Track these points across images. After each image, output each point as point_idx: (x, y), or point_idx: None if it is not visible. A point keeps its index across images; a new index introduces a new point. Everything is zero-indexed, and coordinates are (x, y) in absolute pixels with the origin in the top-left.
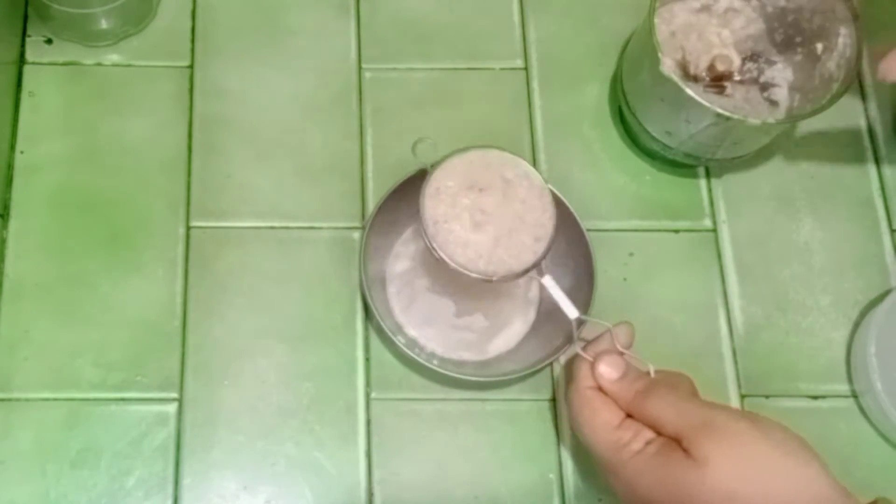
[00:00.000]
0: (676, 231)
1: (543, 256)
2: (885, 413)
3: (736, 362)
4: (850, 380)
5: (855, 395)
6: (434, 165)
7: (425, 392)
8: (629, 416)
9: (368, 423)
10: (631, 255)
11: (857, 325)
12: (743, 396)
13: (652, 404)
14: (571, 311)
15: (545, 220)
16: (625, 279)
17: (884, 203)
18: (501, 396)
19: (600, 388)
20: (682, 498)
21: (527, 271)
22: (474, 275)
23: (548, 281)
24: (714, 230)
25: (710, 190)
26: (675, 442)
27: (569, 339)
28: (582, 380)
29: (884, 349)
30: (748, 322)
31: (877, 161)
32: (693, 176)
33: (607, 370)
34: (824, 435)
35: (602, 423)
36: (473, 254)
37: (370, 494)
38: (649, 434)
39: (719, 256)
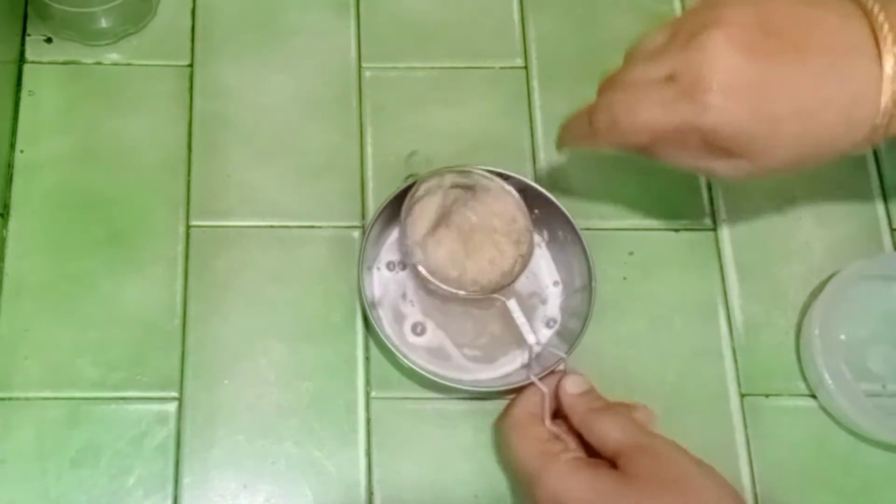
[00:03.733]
0: (676, 230)
1: (510, 283)
2: (830, 394)
3: (736, 362)
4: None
5: None
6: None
7: (425, 391)
8: (577, 434)
9: (368, 422)
10: (631, 254)
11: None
12: (743, 396)
13: (602, 421)
14: (530, 338)
15: (518, 251)
16: (625, 278)
17: (884, 203)
18: (501, 396)
19: (532, 414)
20: None
21: (494, 291)
22: (443, 286)
23: (512, 305)
24: (714, 229)
25: (710, 189)
26: (609, 461)
27: (529, 366)
28: (517, 406)
29: (827, 332)
30: (748, 322)
31: (877, 161)
32: (693, 175)
33: (572, 385)
34: (824, 434)
35: (531, 437)
36: (452, 275)
37: (370, 493)
38: (579, 452)
39: (719, 256)
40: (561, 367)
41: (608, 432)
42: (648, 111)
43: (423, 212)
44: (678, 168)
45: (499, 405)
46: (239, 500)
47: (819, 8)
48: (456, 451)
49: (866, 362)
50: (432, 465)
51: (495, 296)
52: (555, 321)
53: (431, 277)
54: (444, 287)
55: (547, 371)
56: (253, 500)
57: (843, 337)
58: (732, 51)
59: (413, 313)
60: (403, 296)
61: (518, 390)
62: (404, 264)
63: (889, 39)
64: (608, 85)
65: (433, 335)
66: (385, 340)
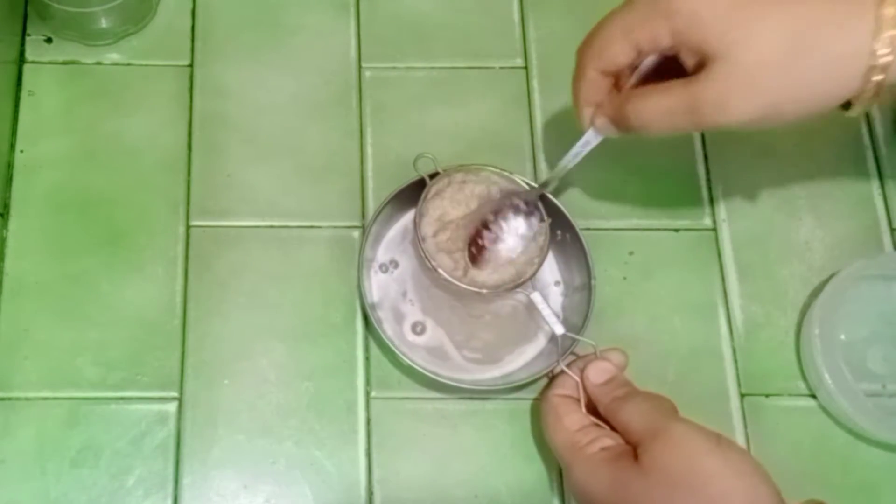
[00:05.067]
0: (676, 230)
1: (532, 276)
2: (831, 395)
3: (736, 362)
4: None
5: None
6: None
7: (425, 391)
8: (604, 420)
9: (368, 421)
10: (631, 254)
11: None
12: (743, 395)
13: (625, 410)
14: (558, 328)
15: (536, 244)
16: (625, 278)
17: (884, 203)
18: (501, 396)
19: (568, 397)
20: (628, 502)
21: (517, 286)
22: (464, 286)
23: (536, 297)
24: (714, 229)
25: (710, 189)
26: (633, 449)
27: (559, 355)
28: (553, 388)
29: (827, 332)
30: (748, 321)
31: (877, 161)
32: (693, 175)
33: (594, 373)
34: (824, 434)
35: (563, 426)
36: (462, 272)
37: (370, 493)
38: (608, 441)
39: (719, 255)
40: (590, 351)
41: (629, 421)
42: (612, 16)
43: (435, 213)
44: (671, 128)
45: (498, 405)
46: (239, 500)
47: None
48: (456, 451)
49: (866, 362)
50: (432, 465)
51: (518, 290)
52: (558, 317)
53: (451, 278)
54: (465, 287)
55: (567, 351)
56: (253, 500)
57: (843, 337)
58: None
59: (413, 312)
60: (403, 294)
61: (519, 388)
62: (397, 262)
63: None
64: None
65: (433, 334)
66: (387, 341)
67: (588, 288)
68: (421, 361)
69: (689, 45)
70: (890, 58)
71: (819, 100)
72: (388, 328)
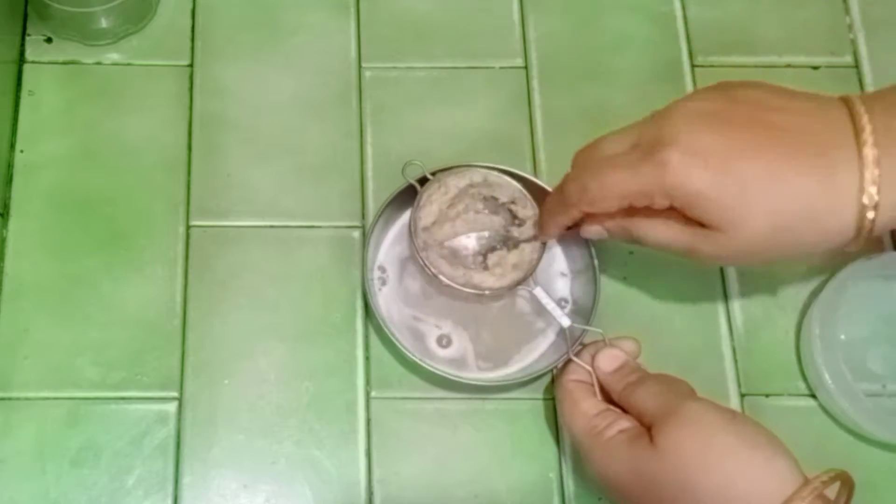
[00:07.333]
0: None
1: (531, 272)
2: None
3: (736, 362)
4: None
5: None
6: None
7: (425, 391)
8: (619, 406)
9: (368, 421)
10: (631, 254)
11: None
12: (743, 395)
13: (638, 394)
14: (564, 321)
15: (535, 242)
16: (625, 278)
17: None
18: (501, 395)
19: (582, 382)
20: (645, 483)
21: (518, 284)
22: (466, 290)
23: (539, 292)
24: None
25: None
26: (649, 431)
27: (568, 346)
28: (567, 374)
29: (827, 332)
30: (748, 322)
31: None
32: None
33: (604, 361)
34: (824, 434)
35: (580, 412)
36: (461, 275)
37: (370, 493)
38: (625, 424)
39: None
40: (599, 339)
41: (642, 405)
42: (614, 174)
43: (430, 218)
44: (667, 252)
45: (498, 405)
46: (239, 500)
47: (795, 97)
48: (456, 451)
49: (866, 362)
50: (432, 465)
51: (520, 287)
52: (566, 301)
53: (453, 283)
54: (467, 290)
55: (576, 342)
56: (253, 500)
57: (843, 337)
58: (697, 116)
59: (431, 328)
60: (415, 318)
61: (522, 385)
62: (385, 268)
63: (868, 129)
64: (578, 161)
65: (458, 346)
66: (400, 347)
67: (592, 268)
68: (440, 365)
69: (689, 214)
70: (877, 197)
71: (812, 253)
72: (401, 337)
